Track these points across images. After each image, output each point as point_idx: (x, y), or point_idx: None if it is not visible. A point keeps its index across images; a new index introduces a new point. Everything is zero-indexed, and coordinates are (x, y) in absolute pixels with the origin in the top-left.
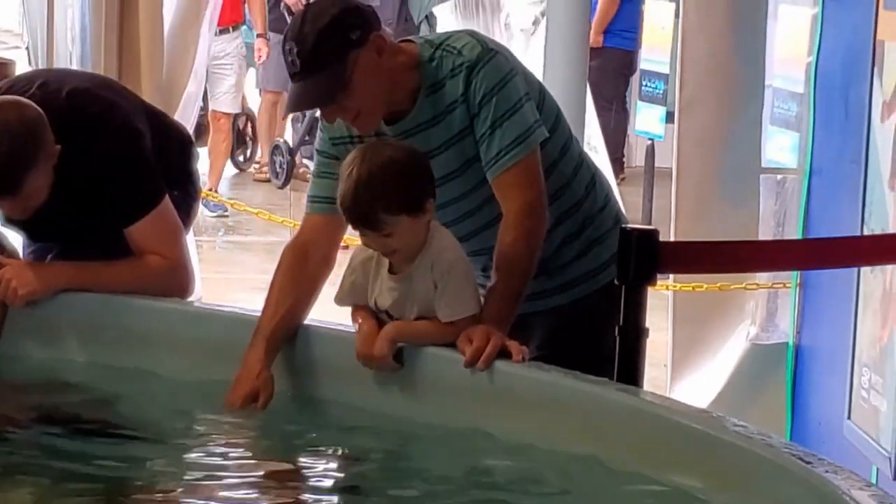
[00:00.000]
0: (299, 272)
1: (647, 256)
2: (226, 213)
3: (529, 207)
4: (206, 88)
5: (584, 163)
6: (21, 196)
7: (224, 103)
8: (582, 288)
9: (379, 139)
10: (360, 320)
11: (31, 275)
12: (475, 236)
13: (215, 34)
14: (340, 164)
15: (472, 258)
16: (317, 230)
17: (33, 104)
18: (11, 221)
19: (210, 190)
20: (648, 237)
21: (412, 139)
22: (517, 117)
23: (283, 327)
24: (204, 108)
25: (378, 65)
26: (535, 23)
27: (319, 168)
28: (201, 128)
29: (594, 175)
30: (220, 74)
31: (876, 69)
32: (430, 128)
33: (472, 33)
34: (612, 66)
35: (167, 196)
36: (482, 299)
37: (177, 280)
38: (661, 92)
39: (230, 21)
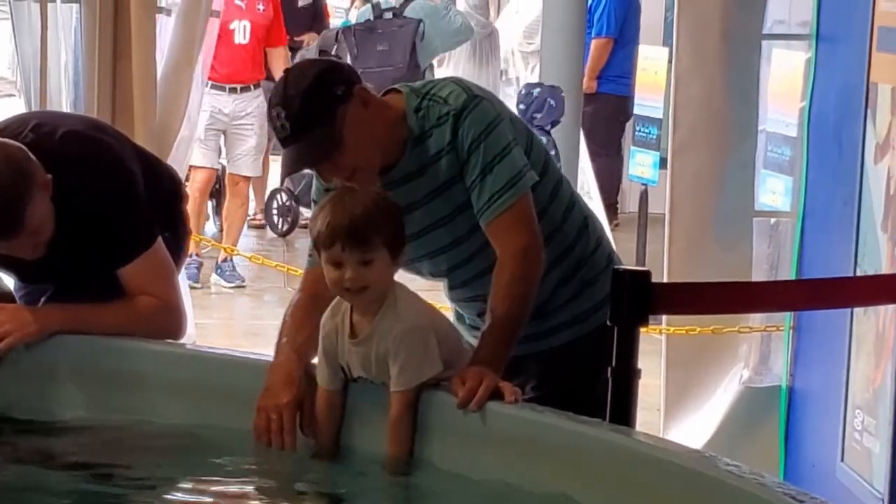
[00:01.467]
0: (311, 314)
1: (640, 297)
2: (243, 284)
3: (525, 251)
4: (221, 148)
5: (575, 205)
6: (27, 231)
7: (244, 166)
8: (576, 329)
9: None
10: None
11: (26, 317)
12: (469, 284)
13: (237, 92)
14: None
15: (467, 304)
16: (321, 281)
17: (10, 141)
18: (2, 263)
19: (224, 260)
20: (641, 278)
21: (399, 189)
22: (506, 162)
23: (307, 346)
24: (221, 171)
25: (366, 117)
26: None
27: None
28: (219, 192)
29: (586, 217)
30: (240, 135)
31: (869, 111)
32: (417, 178)
33: (457, 80)
34: (606, 112)
35: (160, 237)
36: (468, 348)
37: (170, 321)
38: (655, 137)
39: (251, 78)
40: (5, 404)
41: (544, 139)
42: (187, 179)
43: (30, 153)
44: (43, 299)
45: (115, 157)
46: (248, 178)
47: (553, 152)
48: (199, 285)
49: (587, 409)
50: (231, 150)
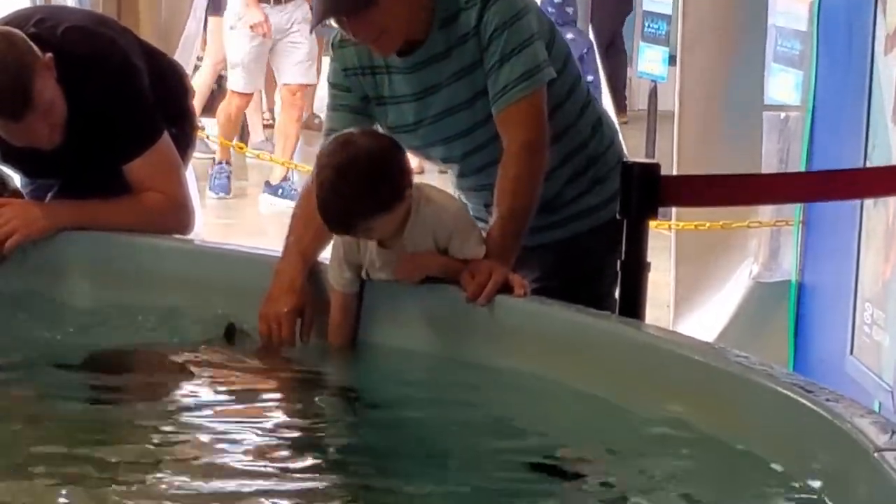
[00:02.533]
0: None
1: (649, 190)
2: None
3: (531, 145)
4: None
5: (590, 104)
6: (39, 110)
7: (299, 74)
8: (584, 223)
9: (348, 133)
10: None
11: (34, 213)
12: (480, 172)
13: (281, 2)
14: (354, 96)
15: (476, 193)
16: None
17: (9, 27)
18: (8, 159)
19: (285, 179)
20: (650, 170)
21: (424, 71)
22: (526, 53)
23: (313, 246)
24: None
25: None
26: None
27: (334, 101)
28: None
29: (600, 116)
30: (293, 44)
31: (879, 3)
32: (442, 59)
33: None
34: (608, 5)
35: (166, 133)
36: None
37: (177, 217)
38: (664, 33)
39: None
40: (13, 299)
41: (570, 36)
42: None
43: (28, 39)
44: (49, 196)
45: (118, 52)
46: (304, 87)
47: (586, 49)
48: (229, 196)
49: (591, 302)
50: (283, 63)
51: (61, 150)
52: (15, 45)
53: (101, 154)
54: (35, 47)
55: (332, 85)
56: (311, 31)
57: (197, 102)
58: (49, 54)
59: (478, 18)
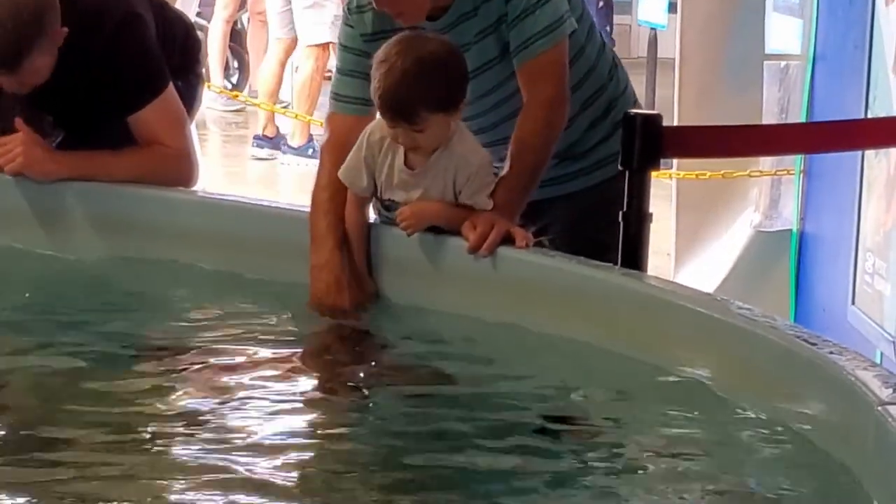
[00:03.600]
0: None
1: (651, 141)
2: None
3: (552, 100)
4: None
5: (605, 46)
6: (19, 73)
7: (321, 34)
8: (603, 171)
9: (419, 32)
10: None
11: (40, 154)
12: (498, 126)
13: None
14: (369, 61)
15: (492, 148)
16: (349, 130)
17: None
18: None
19: (308, 141)
20: (652, 122)
21: (452, 32)
22: (549, 6)
23: (341, 236)
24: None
25: None
26: None
27: (346, 65)
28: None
29: (615, 58)
30: (316, 5)
31: None
32: (470, 18)
33: None
34: None
35: (171, 85)
36: None
37: (181, 169)
38: None
39: None
40: (19, 254)
41: None
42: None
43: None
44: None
45: (124, 2)
46: (326, 46)
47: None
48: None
49: (611, 253)
50: (305, 26)
51: (67, 99)
52: (31, 11)
53: (107, 104)
54: (56, 15)
55: (347, 48)
56: None
57: (216, 57)
58: (64, 28)
59: None
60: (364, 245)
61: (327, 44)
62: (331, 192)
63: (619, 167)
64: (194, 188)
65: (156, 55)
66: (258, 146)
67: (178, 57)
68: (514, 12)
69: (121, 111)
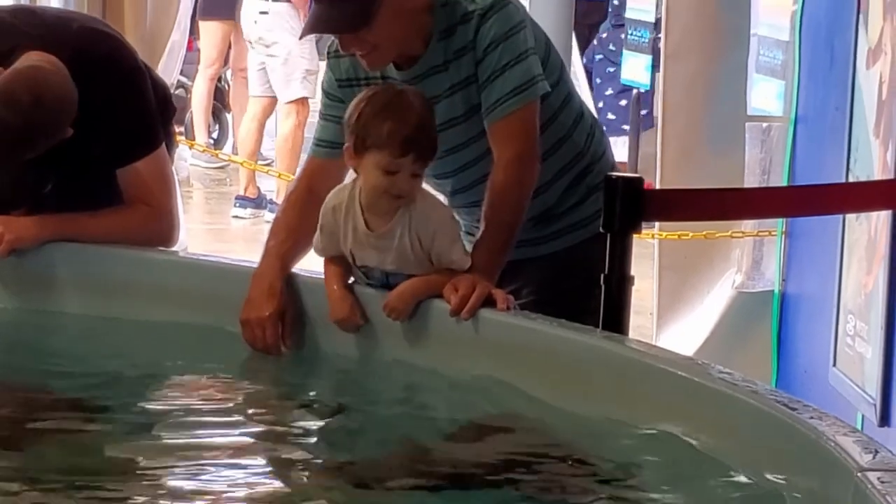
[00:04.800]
0: (304, 210)
1: (633, 204)
2: None
3: (521, 157)
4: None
5: (584, 114)
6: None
7: (295, 90)
8: (577, 235)
9: (391, 83)
10: (333, 285)
11: (22, 223)
12: (472, 188)
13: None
14: (345, 107)
15: (468, 209)
16: (320, 173)
17: (68, 78)
18: None
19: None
20: (634, 185)
21: (422, 83)
22: (521, 67)
23: (293, 252)
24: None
25: (403, 4)
26: None
27: (324, 109)
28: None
29: (592, 125)
30: (287, 62)
31: (861, 16)
32: (440, 72)
33: None
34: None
35: (164, 145)
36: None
37: (162, 229)
38: (647, 41)
39: None
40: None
41: None
42: (181, 88)
43: (74, 86)
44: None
45: (129, 55)
46: (305, 101)
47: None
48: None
49: (587, 314)
50: (278, 80)
51: (61, 145)
52: (58, 109)
53: (102, 153)
54: (73, 107)
55: (326, 94)
56: (300, 38)
57: (200, 114)
58: (70, 130)
59: (474, 33)
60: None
61: (304, 98)
62: (285, 221)
63: (601, 230)
64: (174, 248)
65: (154, 113)
66: (240, 206)
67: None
68: (485, 73)
69: (113, 162)
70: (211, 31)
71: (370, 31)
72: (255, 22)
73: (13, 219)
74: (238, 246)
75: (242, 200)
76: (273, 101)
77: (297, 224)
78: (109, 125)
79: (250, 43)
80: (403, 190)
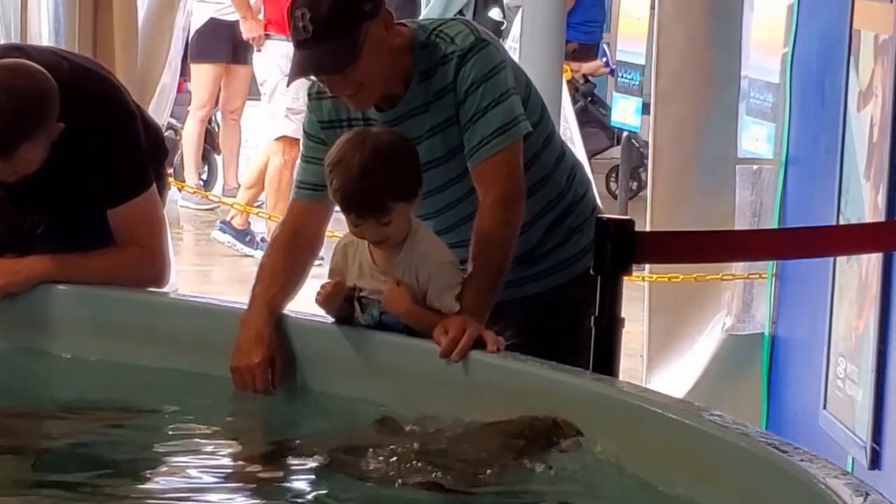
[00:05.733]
0: (290, 254)
1: (624, 246)
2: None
3: (506, 198)
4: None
5: (565, 154)
6: (11, 162)
7: (277, 128)
8: (559, 276)
9: (367, 127)
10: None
11: (12, 267)
12: (455, 229)
13: None
14: (327, 149)
15: (454, 250)
16: (304, 216)
17: (48, 76)
18: None
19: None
20: (624, 227)
21: (403, 124)
22: (502, 108)
23: (280, 297)
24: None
25: (385, 39)
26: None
27: (307, 152)
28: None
29: (574, 166)
30: (272, 101)
31: (852, 59)
32: (421, 113)
33: (466, 22)
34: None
35: (155, 187)
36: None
37: (153, 270)
38: (637, 83)
39: None
40: None
41: None
42: (170, 130)
43: (56, 90)
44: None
45: (120, 96)
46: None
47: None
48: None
49: (570, 356)
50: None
51: (55, 185)
52: (33, 102)
53: (93, 194)
54: (54, 108)
55: (308, 135)
56: (287, 86)
57: (191, 156)
58: (61, 124)
59: (454, 74)
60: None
61: (290, 137)
62: (271, 265)
63: (592, 272)
64: (165, 289)
65: (145, 154)
66: (220, 230)
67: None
68: (467, 115)
69: (104, 203)
70: (203, 74)
71: (357, 68)
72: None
73: (3, 262)
74: (229, 288)
75: (224, 226)
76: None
77: (283, 268)
78: (101, 165)
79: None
80: (374, 239)
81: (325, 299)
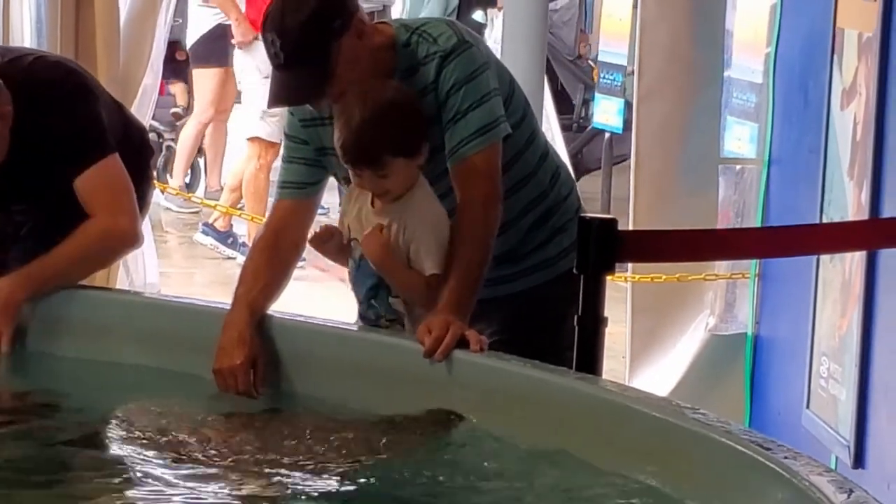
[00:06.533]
0: (272, 255)
1: (607, 245)
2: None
3: (485, 197)
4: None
5: (549, 154)
6: None
7: (252, 128)
8: (541, 275)
9: (374, 81)
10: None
11: None
12: None
13: None
14: (310, 148)
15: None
16: (287, 215)
17: None
18: None
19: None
20: (608, 226)
21: None
22: (483, 109)
23: (262, 299)
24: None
25: (360, 48)
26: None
27: (289, 153)
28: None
29: (558, 166)
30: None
31: (835, 57)
32: None
33: (450, 23)
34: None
35: (118, 156)
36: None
37: (122, 230)
38: (619, 84)
39: None
40: None
41: None
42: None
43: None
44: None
45: (77, 78)
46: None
47: None
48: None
49: (551, 355)
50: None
51: (25, 175)
52: None
53: (55, 167)
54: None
55: (289, 137)
56: (269, 107)
57: (183, 158)
58: (8, 107)
59: (436, 74)
60: None
61: (266, 140)
62: (254, 267)
63: (575, 271)
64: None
65: (101, 124)
66: (203, 232)
67: (134, 161)
68: (448, 115)
69: (66, 172)
70: (207, 78)
71: (334, 84)
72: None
73: None
74: (211, 290)
75: (207, 228)
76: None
77: (265, 269)
78: (59, 136)
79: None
80: (373, 190)
81: (315, 240)
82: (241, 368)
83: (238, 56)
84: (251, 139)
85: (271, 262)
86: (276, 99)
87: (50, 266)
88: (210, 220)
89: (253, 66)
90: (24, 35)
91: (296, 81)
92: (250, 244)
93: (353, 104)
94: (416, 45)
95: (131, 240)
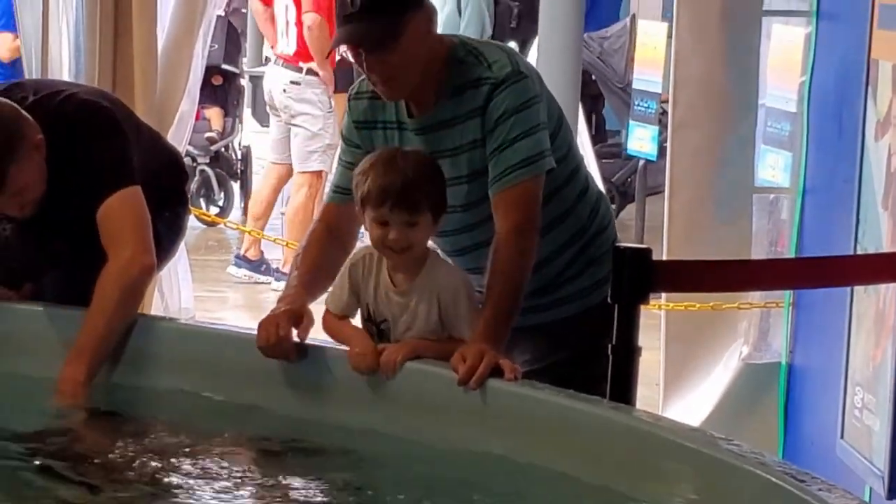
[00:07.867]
0: (325, 246)
1: (641, 275)
2: None
3: (522, 228)
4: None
5: (589, 188)
6: (10, 191)
7: (314, 162)
8: (575, 305)
9: (392, 147)
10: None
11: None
12: (468, 253)
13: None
14: (361, 152)
15: (470, 275)
16: (338, 216)
17: (2, 100)
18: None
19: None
20: (642, 256)
21: (430, 135)
22: (530, 141)
23: (316, 283)
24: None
25: (426, 35)
26: None
27: (342, 156)
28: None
29: (598, 200)
30: (314, 136)
31: (870, 88)
32: (448, 128)
33: (509, 52)
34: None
35: (139, 190)
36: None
37: (136, 264)
38: (654, 112)
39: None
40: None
41: None
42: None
43: (23, 112)
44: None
45: (106, 114)
46: (320, 174)
47: None
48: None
49: (584, 385)
50: (299, 148)
51: (60, 208)
52: (1, 127)
53: (81, 200)
54: (28, 124)
55: (344, 139)
56: (326, 56)
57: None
58: (40, 136)
59: (486, 99)
60: None
61: (320, 172)
62: (309, 256)
63: (609, 300)
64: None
65: (126, 155)
66: (236, 265)
67: (166, 187)
68: (495, 142)
69: (89, 201)
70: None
71: (395, 50)
72: (284, 90)
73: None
74: (245, 314)
75: (239, 260)
76: (290, 168)
77: (319, 258)
78: (84, 167)
79: (274, 109)
80: (396, 241)
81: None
82: (283, 315)
83: (291, 90)
84: (309, 173)
85: (324, 253)
86: (340, 40)
87: (91, 333)
88: (242, 252)
89: (315, 100)
90: (63, 65)
91: (365, 30)
92: (287, 269)
93: (392, 157)
94: (470, 65)
95: (148, 270)
